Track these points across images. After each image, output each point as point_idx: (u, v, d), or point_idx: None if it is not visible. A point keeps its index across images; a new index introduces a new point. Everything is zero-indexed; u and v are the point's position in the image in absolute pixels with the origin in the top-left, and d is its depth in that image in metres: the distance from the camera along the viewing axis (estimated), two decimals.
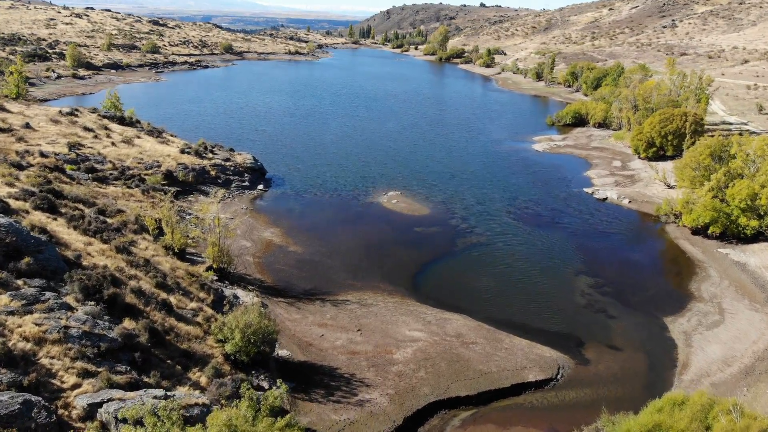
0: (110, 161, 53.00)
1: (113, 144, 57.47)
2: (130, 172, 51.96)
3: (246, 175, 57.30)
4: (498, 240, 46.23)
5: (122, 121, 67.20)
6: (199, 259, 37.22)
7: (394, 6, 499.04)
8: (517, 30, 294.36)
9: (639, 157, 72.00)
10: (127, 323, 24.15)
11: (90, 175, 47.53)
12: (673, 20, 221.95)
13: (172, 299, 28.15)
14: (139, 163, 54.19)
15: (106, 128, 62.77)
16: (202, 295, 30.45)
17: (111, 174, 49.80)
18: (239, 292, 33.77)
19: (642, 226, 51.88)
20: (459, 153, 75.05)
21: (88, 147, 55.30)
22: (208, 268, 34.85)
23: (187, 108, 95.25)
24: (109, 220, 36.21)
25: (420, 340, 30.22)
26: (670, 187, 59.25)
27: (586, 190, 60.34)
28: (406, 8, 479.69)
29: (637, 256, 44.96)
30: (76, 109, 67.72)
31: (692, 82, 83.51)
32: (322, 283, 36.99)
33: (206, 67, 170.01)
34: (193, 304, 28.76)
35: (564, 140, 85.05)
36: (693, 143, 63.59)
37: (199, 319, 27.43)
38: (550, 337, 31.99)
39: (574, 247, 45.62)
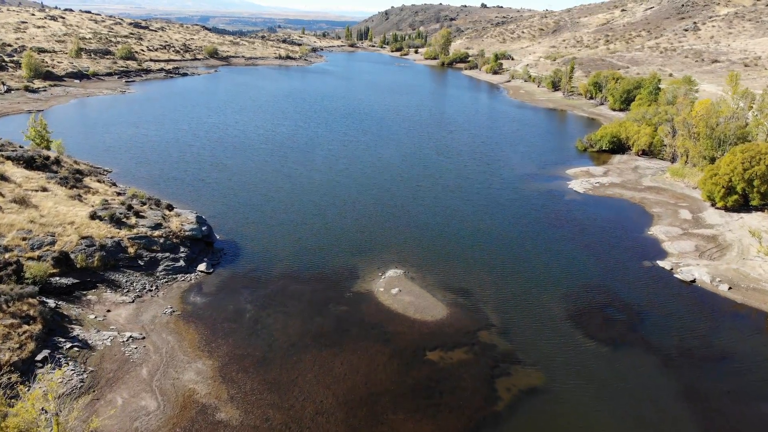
0: None
1: None
2: (6, 256, 35.02)
3: (182, 249, 40.12)
4: (561, 381, 29.15)
5: (31, 163, 50.16)
6: None
7: (392, 6, 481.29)
8: (523, 32, 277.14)
9: (713, 206, 55.20)
10: None
11: None
12: (694, 23, 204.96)
13: None
14: (24, 239, 37.14)
15: (2, 177, 45.82)
16: None
17: None
18: None
19: (760, 338, 34.93)
20: (480, 200, 57.75)
21: None
22: None
23: (141, 132, 77.97)
24: None
25: None
26: None
27: (660, 264, 43.41)
28: (405, 9, 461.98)
29: None
30: None
31: (766, 105, 66.83)
32: None
33: (185, 75, 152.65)
34: None
35: (606, 175, 68.08)
36: None
37: None
38: None
39: (681, 393, 28.67)
